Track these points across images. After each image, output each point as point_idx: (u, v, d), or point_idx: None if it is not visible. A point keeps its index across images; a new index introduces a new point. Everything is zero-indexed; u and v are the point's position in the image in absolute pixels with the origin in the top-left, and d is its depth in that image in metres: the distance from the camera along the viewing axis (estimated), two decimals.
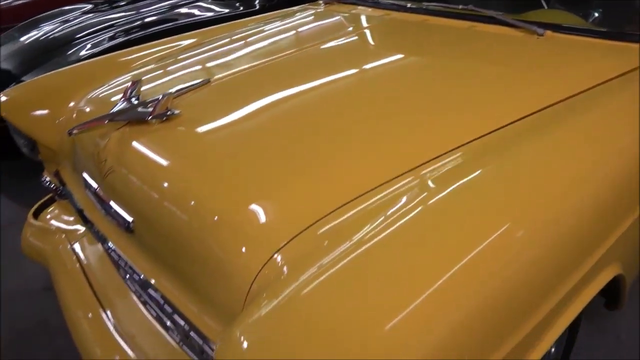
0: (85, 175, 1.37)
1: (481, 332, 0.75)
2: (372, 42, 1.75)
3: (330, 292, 0.71)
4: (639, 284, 1.66)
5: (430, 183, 0.95)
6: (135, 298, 1.41)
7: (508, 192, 0.90)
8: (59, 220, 1.88)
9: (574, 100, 1.19)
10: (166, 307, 1.08)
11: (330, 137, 1.10)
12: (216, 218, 0.99)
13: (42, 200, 1.98)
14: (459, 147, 1.04)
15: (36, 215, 1.94)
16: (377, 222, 0.83)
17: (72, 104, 1.71)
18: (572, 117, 1.12)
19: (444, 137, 1.07)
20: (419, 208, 0.86)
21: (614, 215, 1.05)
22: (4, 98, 1.72)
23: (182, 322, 1.03)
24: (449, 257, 0.75)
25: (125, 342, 1.32)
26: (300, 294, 0.73)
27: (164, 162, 1.13)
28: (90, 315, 1.43)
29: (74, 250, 1.73)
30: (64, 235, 1.80)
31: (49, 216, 1.91)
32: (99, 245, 1.68)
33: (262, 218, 0.95)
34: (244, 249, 0.93)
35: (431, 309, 0.69)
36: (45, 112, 1.69)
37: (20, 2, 4.51)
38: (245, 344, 0.70)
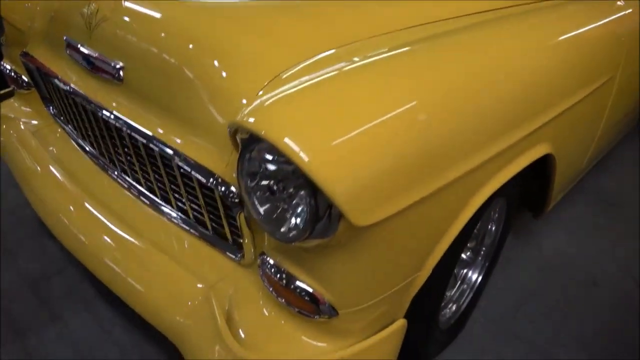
0: (66, 37, 1.38)
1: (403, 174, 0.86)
2: None
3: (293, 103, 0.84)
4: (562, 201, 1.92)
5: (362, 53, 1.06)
6: (110, 174, 1.46)
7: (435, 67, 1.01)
8: (19, 110, 1.84)
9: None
10: (159, 146, 1.14)
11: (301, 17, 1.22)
12: (216, 63, 1.08)
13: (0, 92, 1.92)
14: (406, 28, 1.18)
15: None
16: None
17: None
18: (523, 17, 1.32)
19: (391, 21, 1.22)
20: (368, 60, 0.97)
21: (545, 99, 1.23)
22: None
23: (171, 152, 1.10)
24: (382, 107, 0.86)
25: (106, 217, 1.37)
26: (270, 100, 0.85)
27: (162, 7, 1.19)
28: (69, 202, 1.44)
29: (39, 136, 1.71)
30: (25, 123, 1.77)
31: (6, 108, 1.86)
32: (66, 135, 1.69)
33: (252, 60, 1.07)
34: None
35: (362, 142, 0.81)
36: None
37: None
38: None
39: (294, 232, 0.85)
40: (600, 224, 2.20)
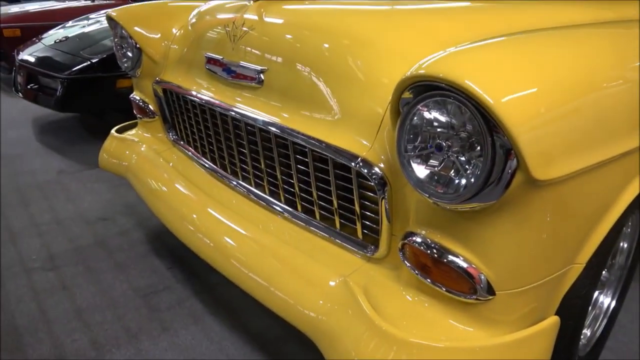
0: (207, 53, 1.53)
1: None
2: None
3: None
4: None
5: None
6: (232, 185, 1.52)
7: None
8: (144, 136, 1.99)
9: None
10: (299, 137, 1.19)
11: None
12: (356, 55, 1.16)
13: (124, 124, 2.10)
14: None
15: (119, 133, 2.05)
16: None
17: (174, 30, 1.90)
18: None
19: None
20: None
21: None
22: (114, 13, 1.91)
23: (323, 147, 1.14)
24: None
25: (235, 221, 1.41)
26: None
27: (308, 13, 1.32)
28: (198, 210, 1.51)
29: (164, 158, 1.84)
30: (148, 147, 1.91)
31: (132, 133, 2.03)
32: (184, 156, 1.81)
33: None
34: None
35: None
36: (155, 33, 1.86)
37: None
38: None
39: (461, 191, 0.84)
40: None
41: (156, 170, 1.80)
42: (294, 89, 1.25)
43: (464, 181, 0.84)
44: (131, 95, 2.04)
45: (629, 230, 1.40)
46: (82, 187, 2.61)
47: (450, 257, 0.94)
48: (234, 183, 1.54)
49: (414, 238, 1.00)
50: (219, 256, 1.37)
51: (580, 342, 1.37)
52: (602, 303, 1.45)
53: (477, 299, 0.93)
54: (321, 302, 1.11)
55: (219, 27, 1.51)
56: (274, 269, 1.23)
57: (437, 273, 0.96)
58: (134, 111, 2.05)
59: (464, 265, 0.93)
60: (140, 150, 1.92)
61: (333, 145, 1.13)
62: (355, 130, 1.12)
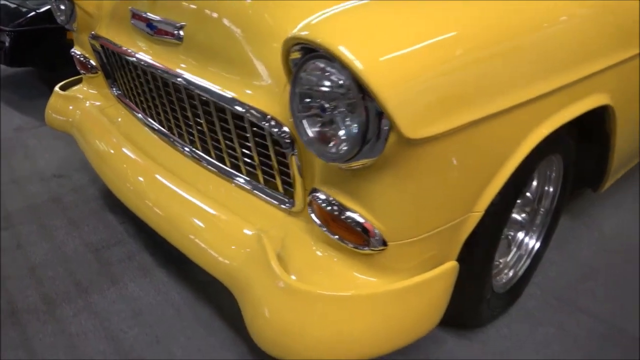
0: (132, 8, 1.49)
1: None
2: None
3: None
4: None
5: None
6: (168, 140, 1.53)
7: None
8: (87, 93, 1.97)
9: None
10: (216, 95, 1.19)
11: None
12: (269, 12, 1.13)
13: (69, 80, 2.07)
14: None
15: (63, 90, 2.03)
16: None
17: None
18: None
19: None
20: None
21: (600, 46, 1.19)
22: None
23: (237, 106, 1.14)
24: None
25: (166, 178, 1.44)
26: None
27: None
28: (136, 169, 1.55)
29: (105, 115, 1.83)
30: (92, 104, 1.90)
31: (76, 89, 2.01)
32: (126, 111, 1.80)
33: None
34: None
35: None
36: None
37: None
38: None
39: (343, 150, 0.86)
40: None
41: (100, 128, 1.80)
42: (211, 47, 1.24)
43: (345, 140, 0.86)
44: (72, 50, 1.99)
45: (553, 174, 1.44)
46: (39, 144, 2.60)
47: (348, 213, 0.97)
48: (171, 139, 1.55)
49: (317, 194, 1.03)
50: (148, 210, 1.41)
51: (502, 281, 1.45)
52: (527, 244, 1.52)
53: (371, 250, 0.98)
54: (234, 247, 1.17)
55: None
56: (199, 223, 1.28)
57: (337, 228, 1.01)
58: (77, 67, 2.01)
59: (361, 220, 0.96)
60: (84, 107, 1.91)
61: (246, 104, 1.13)
62: (267, 89, 1.12)
